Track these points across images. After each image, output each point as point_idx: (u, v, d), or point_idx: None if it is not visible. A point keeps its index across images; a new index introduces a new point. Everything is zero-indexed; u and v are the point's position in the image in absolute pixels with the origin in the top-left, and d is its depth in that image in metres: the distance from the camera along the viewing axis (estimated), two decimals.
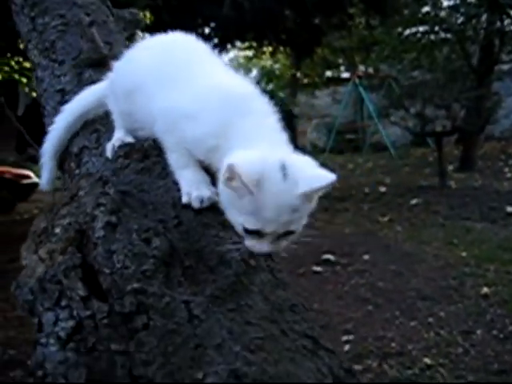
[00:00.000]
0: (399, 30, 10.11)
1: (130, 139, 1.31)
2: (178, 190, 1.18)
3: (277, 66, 20.87)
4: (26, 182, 9.31)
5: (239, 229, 1.07)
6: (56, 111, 1.55)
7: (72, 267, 1.13)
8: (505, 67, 9.79)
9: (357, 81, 14.44)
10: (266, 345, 1.01)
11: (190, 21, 8.29)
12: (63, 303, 1.09)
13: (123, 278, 1.07)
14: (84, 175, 1.35)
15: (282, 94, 10.52)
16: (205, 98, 1.18)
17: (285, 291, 1.16)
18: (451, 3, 9.62)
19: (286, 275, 1.22)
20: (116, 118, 1.39)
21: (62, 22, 1.68)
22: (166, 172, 1.22)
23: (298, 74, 17.73)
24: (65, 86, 1.58)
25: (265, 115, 1.17)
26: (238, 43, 11.26)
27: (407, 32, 10.21)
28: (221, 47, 10.26)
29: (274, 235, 1.05)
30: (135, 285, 1.05)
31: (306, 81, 18.40)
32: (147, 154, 1.26)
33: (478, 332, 3.48)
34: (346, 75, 17.89)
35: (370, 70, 15.77)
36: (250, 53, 14.76)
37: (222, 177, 1.04)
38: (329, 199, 7.99)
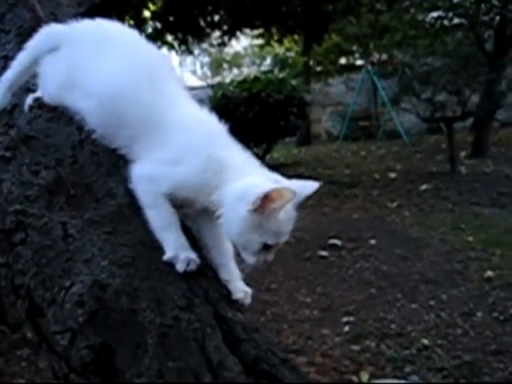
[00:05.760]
0: (411, 15, 9.96)
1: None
2: (80, 133, 1.34)
3: (290, 54, 20.78)
4: None
5: (256, 248, 1.16)
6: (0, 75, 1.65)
7: None
8: None
9: (370, 68, 14.30)
10: (136, 263, 1.11)
11: (199, 8, 8.28)
12: None
13: (7, 201, 1.24)
14: None
15: (294, 82, 10.41)
16: (185, 136, 1.24)
17: None
18: None
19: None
20: (48, 85, 1.43)
21: None
22: (72, 120, 1.36)
23: (311, 62, 17.60)
24: (8, 52, 1.71)
25: (239, 146, 1.28)
26: (248, 31, 11.22)
27: (420, 17, 10.06)
28: (231, 35, 10.26)
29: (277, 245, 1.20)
30: (17, 206, 1.21)
31: (319, 68, 18.28)
32: None
33: (479, 314, 3.48)
34: (360, 62, 17.73)
35: (384, 57, 15.63)
36: (261, 41, 14.67)
37: (248, 206, 1.11)
38: (338, 185, 7.98)
